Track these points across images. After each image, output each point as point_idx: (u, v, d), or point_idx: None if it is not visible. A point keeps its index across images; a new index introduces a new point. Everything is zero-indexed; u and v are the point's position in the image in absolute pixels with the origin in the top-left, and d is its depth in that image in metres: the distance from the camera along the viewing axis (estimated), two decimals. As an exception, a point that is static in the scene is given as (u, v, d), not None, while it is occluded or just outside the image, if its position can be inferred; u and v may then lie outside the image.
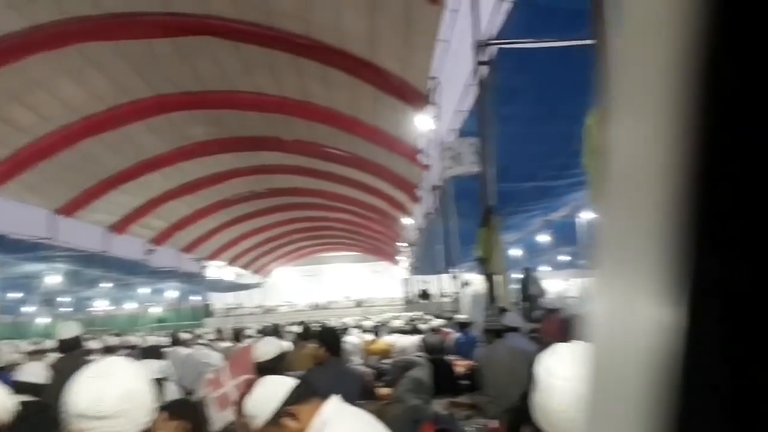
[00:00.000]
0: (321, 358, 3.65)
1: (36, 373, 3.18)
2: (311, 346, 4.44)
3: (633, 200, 0.27)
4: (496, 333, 4.59)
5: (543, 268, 28.41)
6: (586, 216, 16.88)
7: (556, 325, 5.76)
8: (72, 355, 3.93)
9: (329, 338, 3.82)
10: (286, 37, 9.73)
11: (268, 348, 3.18)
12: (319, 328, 4.42)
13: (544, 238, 21.31)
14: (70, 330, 4.15)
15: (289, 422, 1.74)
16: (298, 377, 3.66)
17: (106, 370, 1.30)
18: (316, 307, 39.34)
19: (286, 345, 7.20)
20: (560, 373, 0.96)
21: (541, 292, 10.57)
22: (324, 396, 1.91)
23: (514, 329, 4.78)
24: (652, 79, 0.26)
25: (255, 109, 13.11)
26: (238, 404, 2.86)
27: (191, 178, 17.29)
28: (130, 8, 9.18)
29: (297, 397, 1.78)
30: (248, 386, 2.99)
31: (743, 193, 0.24)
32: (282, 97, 12.36)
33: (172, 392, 3.89)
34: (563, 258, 25.11)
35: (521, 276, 10.95)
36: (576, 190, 14.80)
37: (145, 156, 14.76)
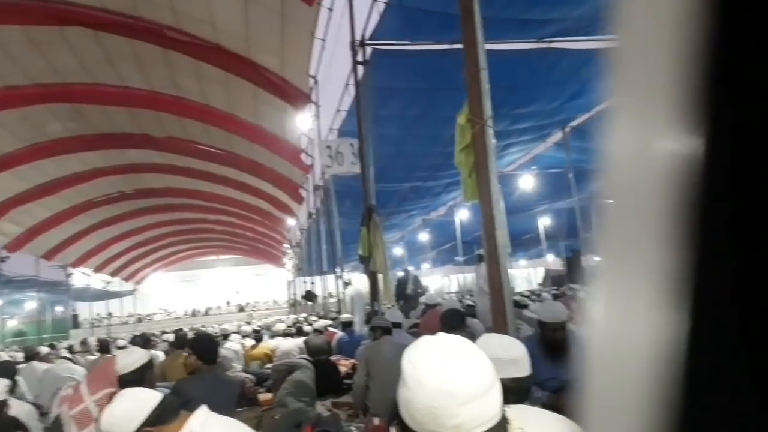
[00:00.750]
0: (194, 367, 3.45)
1: None
2: (184, 355, 4.20)
3: (634, 203, 0.27)
4: (381, 330, 4.62)
5: (424, 266, 29.43)
6: (461, 214, 17.70)
7: (434, 320, 5.91)
8: None
9: (202, 345, 3.62)
10: (153, 28, 9.15)
11: (132, 358, 2.93)
12: (193, 336, 4.17)
13: (423, 236, 22.08)
14: None
15: None
16: (170, 389, 3.44)
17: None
18: (195, 313, 37.69)
19: (156, 354, 6.79)
20: (425, 366, 0.93)
21: (420, 289, 10.86)
22: (195, 407, 1.78)
23: (398, 325, 4.85)
24: (652, 79, 0.26)
25: (121, 104, 12.20)
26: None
27: (50, 178, 15.76)
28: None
29: (161, 413, 1.64)
30: (110, 400, 2.73)
31: (746, 196, 0.24)
32: (151, 91, 11.62)
33: (22, 412, 3.49)
34: (440, 255, 26.14)
35: (401, 274, 11.20)
36: (452, 189, 15.50)
37: (-8, 154, 13.24)
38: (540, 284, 27.68)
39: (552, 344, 3.25)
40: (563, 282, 17.90)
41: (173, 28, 9.12)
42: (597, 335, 0.29)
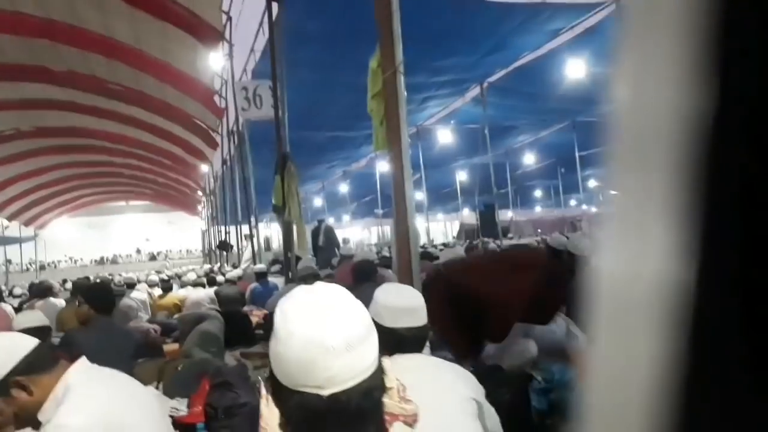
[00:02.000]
0: (86, 317, 3.27)
1: None
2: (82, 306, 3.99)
3: (643, 156, 0.27)
4: (312, 277, 4.61)
5: (344, 218, 29.50)
6: (382, 166, 17.75)
7: (347, 271, 5.93)
8: None
9: (96, 295, 3.43)
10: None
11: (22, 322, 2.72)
12: (87, 285, 3.96)
13: (343, 188, 22.01)
14: None
15: (20, 394, 1.47)
16: (60, 340, 3.25)
17: None
18: (103, 262, 36.07)
19: (55, 304, 6.42)
20: (297, 317, 0.89)
21: (335, 242, 10.87)
22: (90, 359, 1.67)
23: (316, 276, 4.84)
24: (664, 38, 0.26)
25: (13, 32, 11.03)
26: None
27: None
28: None
29: (33, 362, 1.51)
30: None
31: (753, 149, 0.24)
32: (47, 19, 10.57)
33: None
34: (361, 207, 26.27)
35: (314, 226, 11.17)
36: (372, 141, 15.45)
37: None
38: (455, 237, 28.58)
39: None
40: (476, 235, 18.54)
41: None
42: (605, 277, 0.29)
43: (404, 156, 2.87)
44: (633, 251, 0.28)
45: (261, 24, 8.59)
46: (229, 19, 9.90)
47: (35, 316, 3.56)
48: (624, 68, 0.28)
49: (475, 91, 11.50)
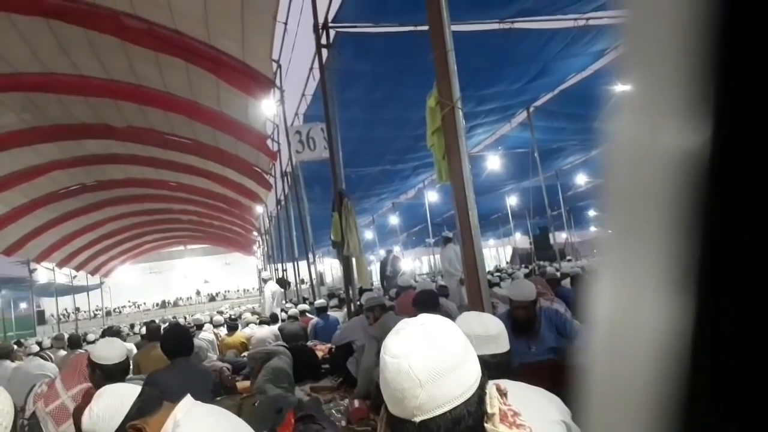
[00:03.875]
0: (167, 359, 3.43)
1: None
2: (157, 348, 4.17)
3: (640, 192, 0.27)
4: (380, 309, 4.71)
5: (395, 248, 29.56)
6: (430, 196, 17.82)
7: (408, 302, 5.98)
8: None
9: (174, 336, 3.59)
10: (109, 15, 8.85)
11: (109, 349, 2.90)
12: (167, 328, 4.16)
13: (393, 219, 22.17)
14: None
15: None
16: (144, 382, 3.42)
17: None
18: (165, 305, 37.17)
19: (130, 347, 6.70)
20: (391, 350, 0.96)
21: (398, 271, 10.95)
22: (175, 398, 1.78)
23: (383, 306, 4.91)
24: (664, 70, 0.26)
25: (77, 93, 11.77)
26: (77, 416, 2.58)
27: (6, 172, 15.21)
28: None
29: (142, 405, 1.64)
30: (86, 396, 2.71)
31: (751, 191, 0.24)
32: (109, 79, 11.26)
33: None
34: (411, 238, 26.31)
35: (383, 257, 11.33)
36: (420, 172, 15.56)
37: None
38: (508, 262, 28.17)
39: (518, 322, 3.37)
40: (530, 259, 18.25)
41: (130, 15, 8.84)
42: (602, 323, 0.29)
43: (467, 186, 2.95)
44: (629, 298, 0.27)
45: (311, 69, 8.92)
46: (279, 66, 10.31)
47: (116, 346, 3.70)
48: (623, 109, 0.29)
49: (522, 116, 11.51)
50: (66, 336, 9.61)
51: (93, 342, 10.79)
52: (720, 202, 0.25)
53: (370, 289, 6.19)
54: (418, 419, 0.91)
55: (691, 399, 0.25)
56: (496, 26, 7.31)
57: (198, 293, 39.30)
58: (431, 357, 0.93)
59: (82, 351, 6.81)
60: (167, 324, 8.71)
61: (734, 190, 0.25)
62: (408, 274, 9.28)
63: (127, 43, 9.50)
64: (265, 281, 13.32)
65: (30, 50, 10.06)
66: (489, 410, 1.01)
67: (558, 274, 7.88)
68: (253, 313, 14.04)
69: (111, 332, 9.13)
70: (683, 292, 0.25)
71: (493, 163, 13.80)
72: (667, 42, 0.26)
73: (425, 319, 1.03)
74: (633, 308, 0.27)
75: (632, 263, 0.28)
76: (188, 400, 1.73)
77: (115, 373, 2.73)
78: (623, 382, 0.27)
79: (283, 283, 15.10)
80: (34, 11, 8.72)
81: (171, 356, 3.58)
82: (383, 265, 10.82)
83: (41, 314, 27.75)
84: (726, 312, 0.25)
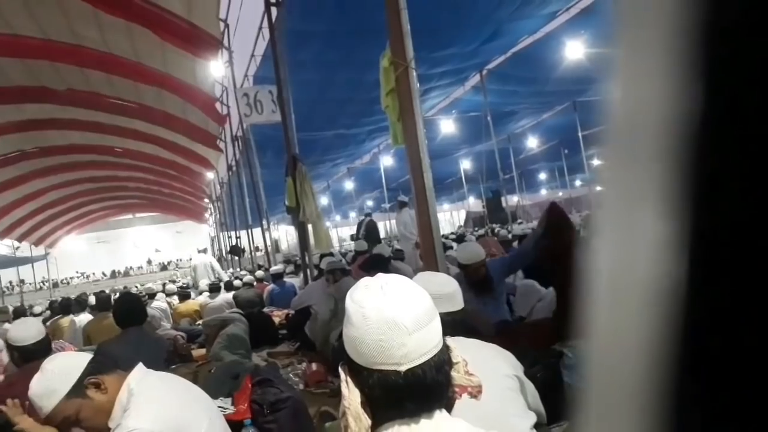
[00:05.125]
0: (119, 328, 3.36)
1: None
2: (109, 318, 4.07)
3: (634, 149, 0.27)
4: (341, 272, 4.77)
5: (350, 214, 29.55)
6: (385, 161, 17.78)
7: (363, 265, 6.01)
8: None
9: (125, 304, 3.52)
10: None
11: (23, 329, 2.79)
12: (118, 298, 4.06)
13: (348, 185, 22.06)
14: None
15: (94, 393, 1.56)
16: (95, 351, 3.34)
17: None
18: (115, 275, 36.29)
19: (80, 319, 6.52)
20: (369, 303, 0.97)
21: (375, 236, 10.94)
22: (128, 367, 1.75)
23: (343, 270, 4.93)
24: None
25: (12, 54, 11.09)
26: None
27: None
28: None
29: (98, 366, 1.60)
30: (10, 379, 2.62)
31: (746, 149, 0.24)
32: (46, 39, 10.63)
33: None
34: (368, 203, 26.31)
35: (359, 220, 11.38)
36: (375, 136, 15.46)
37: None
38: (461, 226, 28.63)
39: (471, 282, 3.46)
40: (484, 222, 18.58)
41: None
42: (600, 271, 0.29)
43: (422, 149, 2.93)
44: (624, 245, 0.28)
45: (260, 29, 8.64)
46: (227, 26, 9.94)
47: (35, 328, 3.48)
48: (617, 64, 0.29)
49: (475, 80, 11.53)
50: (11, 309, 9.28)
51: (40, 314, 10.47)
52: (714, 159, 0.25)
53: (331, 254, 6.18)
54: (404, 367, 0.94)
55: (690, 353, 0.26)
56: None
57: (149, 262, 38.48)
58: (414, 306, 0.97)
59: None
60: (117, 294, 8.50)
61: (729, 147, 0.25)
62: (382, 246, 9.29)
63: (64, 3, 8.96)
64: (199, 252, 13.20)
65: (-46, 7, 9.37)
66: (453, 359, 1.04)
67: (509, 236, 8.06)
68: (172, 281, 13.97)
69: (61, 305, 8.76)
70: (679, 254, 0.25)
71: (447, 126, 13.85)
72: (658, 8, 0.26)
73: (388, 276, 1.05)
74: (632, 251, 0.27)
75: (629, 202, 0.28)
76: (140, 368, 1.70)
77: (35, 353, 2.63)
78: (623, 334, 0.28)
79: (236, 250, 14.93)
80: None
81: (123, 325, 3.50)
82: (357, 229, 10.83)
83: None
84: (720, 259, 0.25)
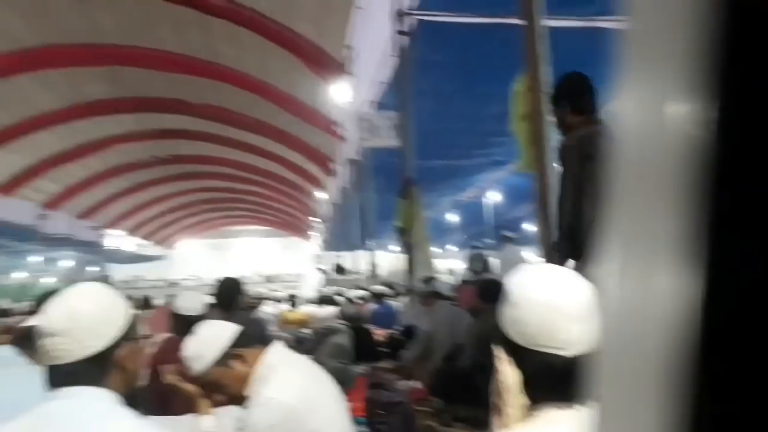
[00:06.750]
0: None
1: None
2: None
3: (646, 170, 0.27)
4: (435, 295, 4.79)
5: (450, 247, 29.32)
6: (493, 196, 17.53)
7: (469, 293, 5.93)
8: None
9: (230, 284, 3.73)
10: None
11: (194, 300, 3.04)
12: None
13: (452, 217, 21.91)
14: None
15: (237, 364, 1.69)
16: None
17: (71, 292, 1.28)
18: (223, 281, 38.23)
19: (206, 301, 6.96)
20: (534, 285, 1.00)
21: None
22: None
23: (447, 297, 4.94)
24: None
25: (158, 67, 12.28)
26: (155, 363, 2.73)
27: (88, 138, 16.06)
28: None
29: (243, 339, 1.74)
30: (169, 344, 2.85)
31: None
32: (188, 56, 11.67)
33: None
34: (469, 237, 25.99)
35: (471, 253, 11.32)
36: (485, 170, 15.29)
37: (34, 112, 13.49)
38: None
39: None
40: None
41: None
42: (609, 307, 0.29)
43: (550, 176, 2.90)
44: (636, 299, 0.27)
45: (385, 56, 8.95)
46: (352, 52, 10.42)
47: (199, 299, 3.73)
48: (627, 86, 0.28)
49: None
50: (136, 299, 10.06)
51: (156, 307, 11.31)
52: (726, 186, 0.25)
53: (433, 278, 6.19)
54: (565, 352, 0.95)
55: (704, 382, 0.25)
56: (583, 24, 7.10)
57: (255, 273, 40.35)
58: (581, 295, 0.98)
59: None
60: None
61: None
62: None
63: (207, 21, 9.80)
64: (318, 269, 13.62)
65: (117, 23, 10.54)
66: None
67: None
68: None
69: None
70: (695, 268, 0.25)
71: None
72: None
73: (551, 265, 1.10)
74: (643, 289, 0.27)
75: (641, 241, 0.27)
76: (279, 346, 1.80)
77: (193, 325, 2.85)
78: (635, 368, 0.27)
79: (340, 269, 15.30)
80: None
81: (225, 307, 3.67)
82: (469, 261, 10.78)
83: (105, 279, 29.19)
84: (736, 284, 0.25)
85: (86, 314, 1.21)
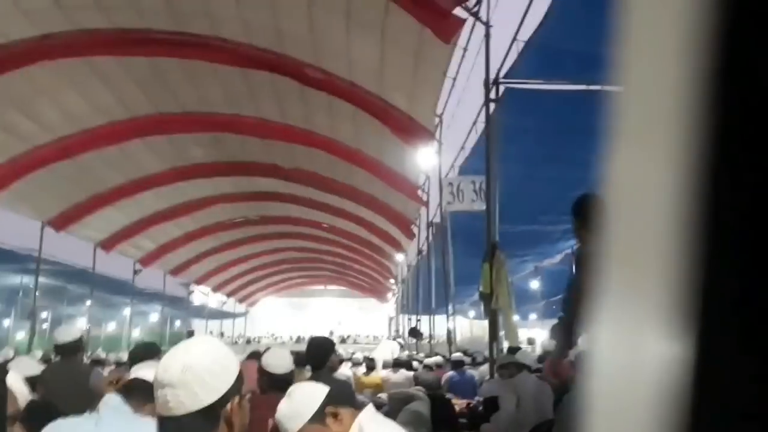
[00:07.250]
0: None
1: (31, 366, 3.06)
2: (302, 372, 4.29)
3: (639, 228, 0.27)
4: (516, 367, 4.63)
5: (531, 316, 28.29)
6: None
7: (565, 367, 5.65)
8: (69, 359, 3.77)
9: (320, 344, 3.75)
10: (294, 65, 9.78)
11: (283, 358, 3.07)
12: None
13: (534, 284, 21.23)
14: (69, 334, 3.97)
15: (332, 422, 1.69)
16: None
17: (187, 344, 1.32)
18: (299, 340, 38.72)
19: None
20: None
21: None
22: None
23: (528, 368, 4.74)
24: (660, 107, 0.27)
25: (257, 134, 13.08)
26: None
27: (184, 199, 17.14)
28: (142, 25, 9.22)
29: (340, 395, 1.74)
30: (256, 401, 2.87)
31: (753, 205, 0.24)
32: (285, 124, 12.37)
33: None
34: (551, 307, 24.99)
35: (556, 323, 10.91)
36: (570, 237, 14.87)
37: (141, 174, 14.64)
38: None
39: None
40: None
41: (312, 66, 9.70)
42: (601, 362, 0.29)
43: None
44: (626, 366, 0.27)
45: (474, 123, 9.09)
46: (441, 120, 10.66)
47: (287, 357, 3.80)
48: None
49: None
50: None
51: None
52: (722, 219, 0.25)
53: (519, 348, 5.96)
54: None
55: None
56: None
57: (331, 333, 40.57)
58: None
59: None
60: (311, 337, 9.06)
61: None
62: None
63: (306, 92, 10.40)
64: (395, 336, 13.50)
65: (224, 94, 11.41)
66: None
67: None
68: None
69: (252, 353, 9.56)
70: (686, 329, 0.25)
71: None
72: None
73: None
74: (633, 348, 0.27)
75: (631, 300, 0.27)
76: (370, 408, 1.78)
77: (283, 382, 2.86)
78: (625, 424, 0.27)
79: (416, 333, 15.08)
80: (233, 62, 9.92)
81: (314, 366, 3.67)
82: (552, 332, 10.42)
83: (191, 334, 30.28)
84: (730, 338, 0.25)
85: (201, 367, 1.24)
